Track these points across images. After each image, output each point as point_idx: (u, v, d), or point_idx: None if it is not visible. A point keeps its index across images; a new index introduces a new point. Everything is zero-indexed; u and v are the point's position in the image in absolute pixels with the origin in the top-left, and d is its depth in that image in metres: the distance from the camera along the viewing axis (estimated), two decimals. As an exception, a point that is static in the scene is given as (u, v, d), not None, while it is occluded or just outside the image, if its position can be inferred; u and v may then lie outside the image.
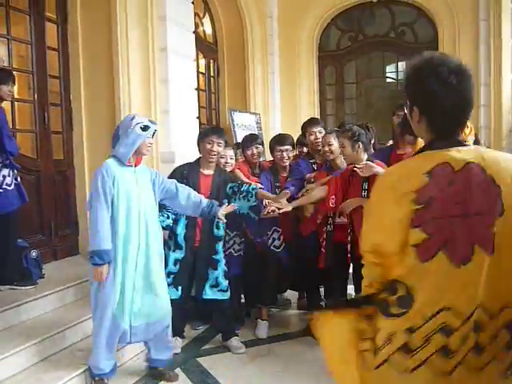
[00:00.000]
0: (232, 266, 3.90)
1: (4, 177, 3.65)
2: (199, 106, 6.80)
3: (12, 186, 3.70)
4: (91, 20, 4.82)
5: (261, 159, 4.60)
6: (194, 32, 5.49)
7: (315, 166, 4.22)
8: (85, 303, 3.93)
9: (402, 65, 8.74)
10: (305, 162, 4.29)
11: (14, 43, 4.43)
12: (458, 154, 1.36)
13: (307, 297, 4.56)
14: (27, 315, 3.59)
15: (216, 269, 3.65)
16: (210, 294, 3.65)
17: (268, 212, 3.55)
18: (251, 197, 3.56)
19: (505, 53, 6.13)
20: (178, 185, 3.36)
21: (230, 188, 3.66)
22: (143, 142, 3.07)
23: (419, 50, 8.05)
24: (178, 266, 3.59)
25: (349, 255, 3.62)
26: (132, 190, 3.08)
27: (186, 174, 3.60)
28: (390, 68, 8.78)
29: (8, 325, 3.43)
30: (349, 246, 3.60)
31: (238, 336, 3.80)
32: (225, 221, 3.47)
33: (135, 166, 3.16)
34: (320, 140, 4.10)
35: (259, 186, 3.70)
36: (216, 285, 3.66)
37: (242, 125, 6.95)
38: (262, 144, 4.68)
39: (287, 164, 4.16)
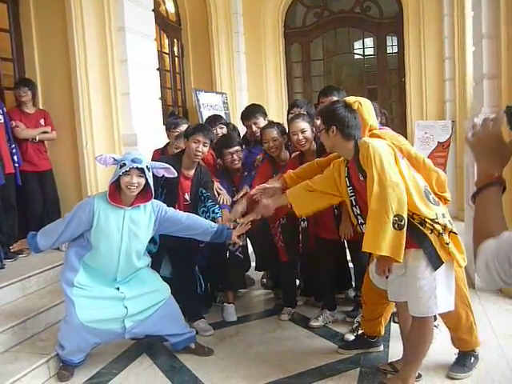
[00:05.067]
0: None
1: None
2: (165, 87, 6.68)
3: None
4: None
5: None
6: (153, 10, 5.33)
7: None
8: (48, 292, 3.87)
9: (369, 40, 8.70)
10: (257, 148, 4.07)
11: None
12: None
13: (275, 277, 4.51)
14: (-14, 307, 3.50)
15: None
16: None
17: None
18: (208, 217, 3.47)
19: (468, 26, 6.10)
20: (185, 215, 3.20)
21: (201, 193, 3.60)
22: (122, 179, 2.88)
23: (384, 25, 8.11)
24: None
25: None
26: (110, 231, 2.95)
27: None
28: (356, 44, 8.73)
29: (-34, 317, 3.34)
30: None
31: (204, 319, 3.76)
32: (241, 244, 3.43)
33: (132, 204, 2.98)
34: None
35: (220, 214, 3.49)
36: None
37: (208, 105, 6.85)
38: (227, 125, 4.58)
39: (239, 166, 3.97)
